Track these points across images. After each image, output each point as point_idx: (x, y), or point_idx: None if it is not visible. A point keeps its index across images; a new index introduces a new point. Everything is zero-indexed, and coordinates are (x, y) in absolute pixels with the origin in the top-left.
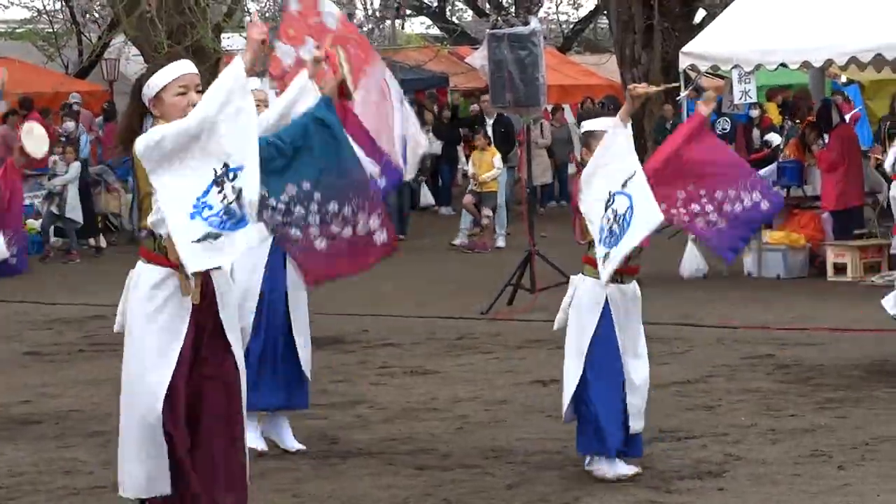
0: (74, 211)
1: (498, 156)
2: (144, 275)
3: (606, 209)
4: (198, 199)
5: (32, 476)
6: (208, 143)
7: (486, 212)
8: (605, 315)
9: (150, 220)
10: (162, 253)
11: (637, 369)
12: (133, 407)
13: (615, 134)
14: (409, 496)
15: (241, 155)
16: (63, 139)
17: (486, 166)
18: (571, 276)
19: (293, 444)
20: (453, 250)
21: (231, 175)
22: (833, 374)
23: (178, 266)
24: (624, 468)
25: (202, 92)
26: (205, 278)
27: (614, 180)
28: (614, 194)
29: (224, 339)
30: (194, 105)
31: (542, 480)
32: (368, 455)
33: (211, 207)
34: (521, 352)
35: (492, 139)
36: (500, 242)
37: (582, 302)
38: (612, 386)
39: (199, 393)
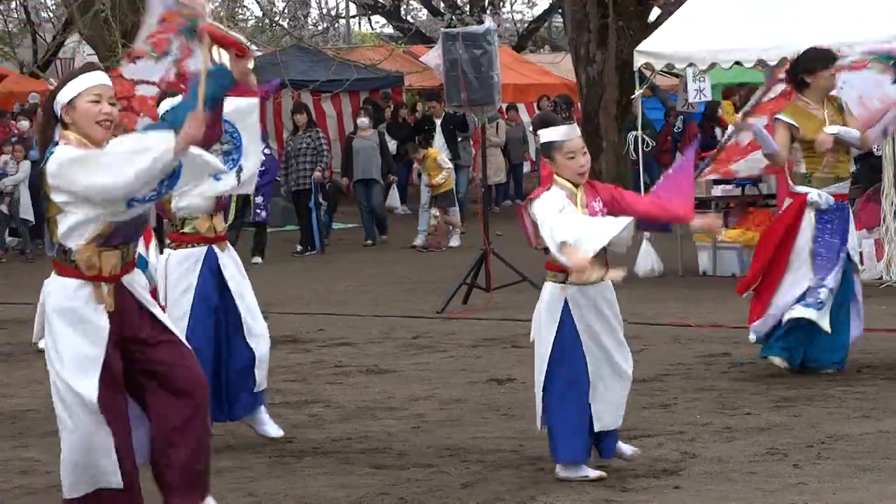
0: (27, 211)
1: (440, 155)
2: (58, 287)
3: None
4: None
5: None
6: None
7: (434, 212)
8: (565, 319)
9: (59, 232)
10: (73, 266)
11: (614, 367)
12: (70, 414)
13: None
14: (365, 495)
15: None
16: (14, 139)
17: (433, 170)
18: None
19: (276, 432)
20: (409, 250)
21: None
22: (788, 373)
23: (91, 278)
24: (587, 471)
25: (115, 105)
26: (117, 286)
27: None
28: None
29: (157, 322)
30: (106, 114)
31: (498, 479)
32: (324, 454)
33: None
34: (476, 350)
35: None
36: (423, 241)
37: (541, 307)
38: (573, 393)
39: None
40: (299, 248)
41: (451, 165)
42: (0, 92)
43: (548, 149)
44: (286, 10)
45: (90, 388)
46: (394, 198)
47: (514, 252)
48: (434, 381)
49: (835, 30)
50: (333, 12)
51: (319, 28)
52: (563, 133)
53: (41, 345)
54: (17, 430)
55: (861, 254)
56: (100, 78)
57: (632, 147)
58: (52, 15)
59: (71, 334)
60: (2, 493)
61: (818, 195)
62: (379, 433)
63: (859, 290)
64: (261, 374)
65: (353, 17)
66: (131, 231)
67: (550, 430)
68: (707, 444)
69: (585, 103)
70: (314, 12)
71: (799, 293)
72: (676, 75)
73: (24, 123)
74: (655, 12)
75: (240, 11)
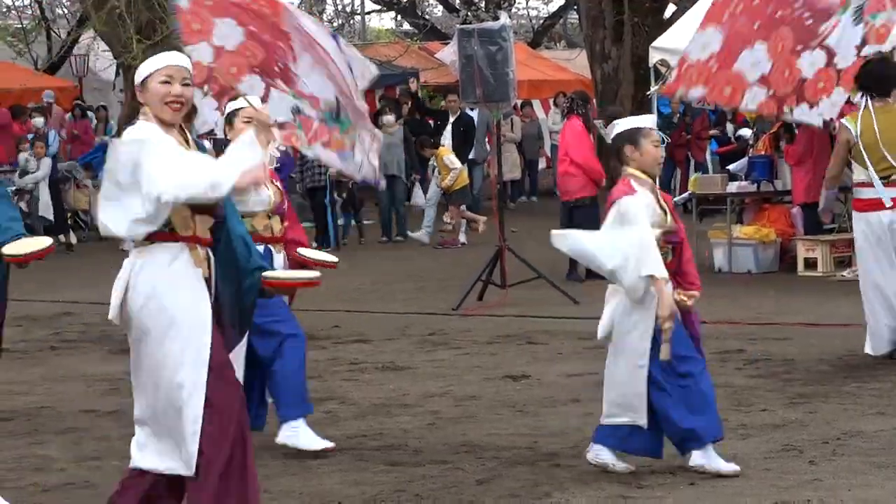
0: (47, 209)
1: (449, 154)
2: (155, 252)
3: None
4: None
5: (2, 473)
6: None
7: (447, 215)
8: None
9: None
10: (168, 228)
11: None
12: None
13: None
14: (380, 492)
15: None
16: (31, 136)
17: (443, 169)
18: (611, 287)
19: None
20: (425, 246)
21: None
22: (803, 370)
23: (188, 239)
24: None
25: (189, 85)
26: (206, 253)
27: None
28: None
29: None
30: (176, 96)
31: (513, 476)
32: (339, 451)
33: None
34: (491, 347)
35: (451, 138)
36: (425, 238)
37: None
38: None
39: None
40: (314, 244)
41: (458, 166)
42: (16, 89)
43: (634, 136)
44: (302, 7)
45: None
46: (418, 195)
47: (529, 249)
48: (449, 378)
49: None
50: (349, 9)
51: (335, 24)
52: (651, 121)
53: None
54: (31, 428)
55: None
56: (174, 58)
57: None
58: (66, 11)
59: (177, 298)
60: (17, 491)
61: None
62: (394, 430)
63: None
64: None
65: (369, 13)
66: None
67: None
68: (722, 440)
69: (600, 100)
70: (329, 9)
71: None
72: None
73: (39, 120)
74: (671, 9)
75: None
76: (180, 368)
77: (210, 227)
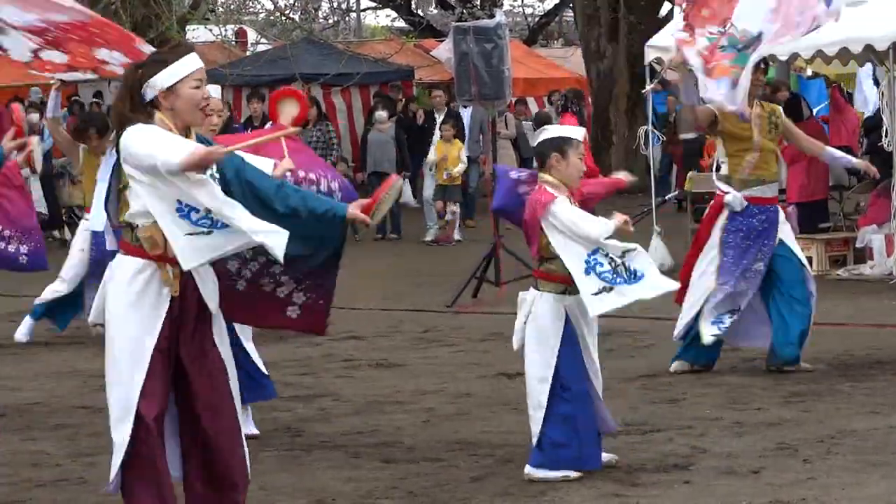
0: (39, 204)
1: (464, 149)
2: (122, 266)
3: (596, 252)
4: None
5: None
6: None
7: (452, 207)
8: (568, 330)
9: (129, 212)
10: (138, 244)
11: (596, 373)
12: (117, 399)
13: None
14: (374, 489)
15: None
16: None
17: (452, 160)
18: (521, 294)
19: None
20: (419, 244)
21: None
22: (795, 369)
23: (156, 258)
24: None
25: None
26: (184, 273)
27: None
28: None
29: (208, 332)
30: (207, 98)
31: (507, 473)
32: (333, 448)
33: (197, 210)
34: (485, 344)
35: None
36: (434, 235)
37: (544, 320)
38: (584, 403)
39: (188, 384)
40: None
41: (465, 160)
42: (17, 84)
43: (562, 146)
44: (297, 4)
45: (139, 371)
46: (406, 193)
47: (523, 246)
48: (443, 376)
49: (845, 25)
50: (344, 6)
51: (330, 21)
52: (580, 133)
53: (100, 329)
54: (24, 424)
55: (871, 249)
56: (199, 61)
57: (642, 141)
58: None
59: (131, 313)
60: (10, 486)
61: (732, 197)
62: (388, 427)
63: (812, 288)
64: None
65: (364, 10)
66: None
67: (561, 443)
68: (716, 439)
69: (596, 98)
70: (325, 5)
71: (700, 295)
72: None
73: (34, 116)
74: (666, 7)
75: (251, 4)
76: (111, 395)
77: None
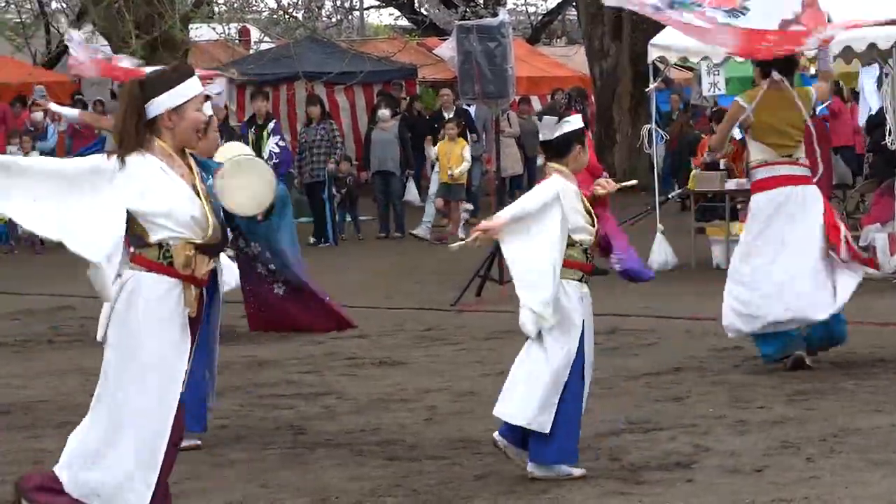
0: None
1: (468, 147)
2: (149, 284)
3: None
4: None
5: (0, 466)
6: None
7: (466, 206)
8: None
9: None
10: (167, 262)
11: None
12: (144, 420)
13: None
14: (378, 487)
15: None
16: (31, 129)
17: (455, 158)
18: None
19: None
20: (422, 242)
21: None
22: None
23: (185, 276)
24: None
25: None
26: (200, 293)
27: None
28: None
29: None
30: (204, 122)
31: (510, 471)
32: (336, 446)
33: None
34: (489, 343)
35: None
36: (425, 233)
37: (568, 305)
38: (577, 402)
39: None
40: (313, 239)
41: (469, 159)
42: (13, 83)
43: (582, 137)
44: (300, 2)
45: (174, 396)
46: (411, 192)
47: None
48: (447, 374)
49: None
50: (347, 4)
51: (333, 20)
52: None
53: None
54: (29, 421)
55: (875, 248)
56: (200, 85)
57: (645, 140)
58: (65, 6)
59: (159, 334)
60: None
61: None
62: (391, 425)
63: None
64: None
65: (367, 9)
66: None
67: (563, 432)
68: (720, 437)
69: (599, 96)
70: (328, 4)
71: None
72: (691, 69)
73: (38, 115)
74: None
75: (254, 3)
76: (131, 424)
77: (209, 270)
